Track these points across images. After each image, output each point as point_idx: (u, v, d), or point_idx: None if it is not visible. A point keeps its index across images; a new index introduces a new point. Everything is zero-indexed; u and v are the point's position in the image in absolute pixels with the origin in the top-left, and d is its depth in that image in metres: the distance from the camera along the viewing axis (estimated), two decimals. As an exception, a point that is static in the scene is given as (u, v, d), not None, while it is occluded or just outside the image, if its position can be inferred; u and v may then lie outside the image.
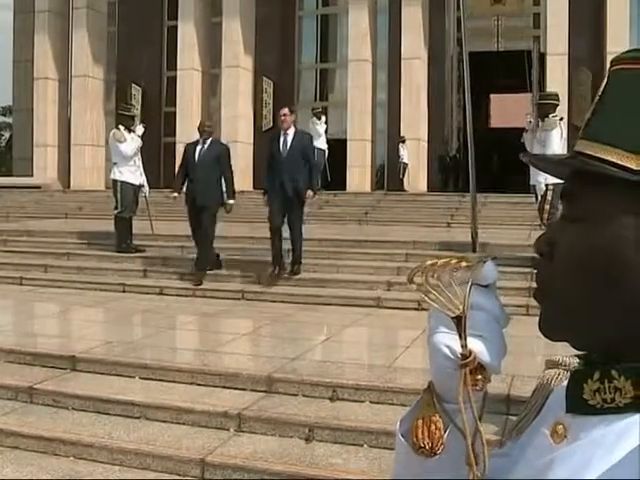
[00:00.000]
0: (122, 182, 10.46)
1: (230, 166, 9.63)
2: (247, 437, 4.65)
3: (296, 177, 8.78)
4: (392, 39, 22.07)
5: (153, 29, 26.53)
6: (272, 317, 7.83)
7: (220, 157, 9.48)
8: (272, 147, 9.06)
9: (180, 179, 9.65)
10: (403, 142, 20.43)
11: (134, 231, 10.67)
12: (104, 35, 25.21)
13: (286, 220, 9.03)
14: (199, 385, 5.41)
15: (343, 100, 22.29)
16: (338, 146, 20.66)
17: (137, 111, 11.19)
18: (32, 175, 24.21)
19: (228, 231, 10.66)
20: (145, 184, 10.88)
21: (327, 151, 19.83)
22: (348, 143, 21.00)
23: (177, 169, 9.98)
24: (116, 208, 10.56)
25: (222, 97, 22.51)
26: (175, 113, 23.10)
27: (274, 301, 8.29)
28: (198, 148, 9.47)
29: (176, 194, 9.65)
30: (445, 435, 0.79)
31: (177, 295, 8.86)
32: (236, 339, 7.06)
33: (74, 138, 24.01)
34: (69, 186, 23.54)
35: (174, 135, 23.00)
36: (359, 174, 20.83)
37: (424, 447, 0.79)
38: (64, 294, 9.18)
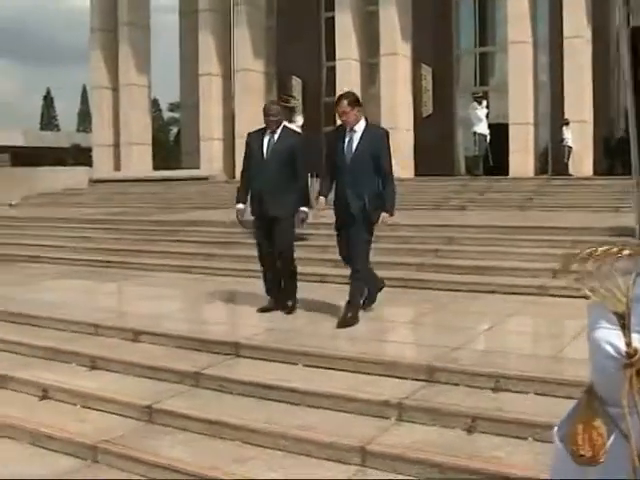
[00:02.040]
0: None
1: (304, 163, 7.39)
2: (408, 426, 4.62)
3: (363, 189, 6.68)
4: (553, 18, 21.31)
5: (310, 21, 26.89)
6: (433, 305, 7.76)
7: (294, 151, 7.25)
8: (335, 148, 6.93)
9: (245, 183, 7.52)
10: (567, 124, 19.68)
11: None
12: (263, 29, 25.76)
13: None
14: (360, 373, 5.41)
15: (503, 83, 21.74)
16: (500, 130, 20.20)
17: (297, 102, 11.29)
18: (199, 167, 25.12)
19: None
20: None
21: (489, 136, 19.43)
22: (510, 127, 20.47)
23: (241, 169, 7.78)
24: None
25: (381, 86, 22.47)
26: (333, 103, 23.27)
27: (436, 289, 8.19)
28: (266, 140, 7.32)
29: (241, 205, 7.53)
30: (608, 442, 0.72)
31: (336, 282, 8.90)
32: (396, 327, 7.05)
33: (238, 131, 24.65)
34: (234, 177, 24.22)
35: (334, 125, 23.14)
36: (521, 159, 20.23)
37: (584, 455, 0.73)
38: (229, 282, 9.46)
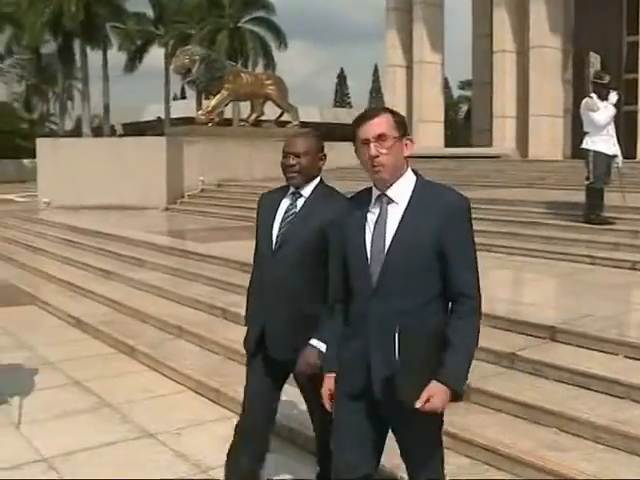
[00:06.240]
0: (594, 152, 10.15)
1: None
2: None
3: (413, 327, 2.72)
4: None
5: (612, -6, 25.63)
6: None
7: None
8: (346, 238, 2.92)
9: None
10: None
11: (605, 202, 10.34)
12: (561, 4, 24.89)
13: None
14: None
15: None
16: None
17: (610, 79, 10.73)
18: (491, 145, 24.86)
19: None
20: (619, 154, 10.48)
21: None
22: None
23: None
24: (587, 178, 10.31)
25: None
26: (636, 80, 21.98)
27: None
28: (282, 208, 3.58)
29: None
30: None
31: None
32: None
33: (532, 109, 24.06)
34: (526, 156, 23.68)
35: (636, 103, 21.91)
36: None
37: None
38: (530, 263, 9.22)
